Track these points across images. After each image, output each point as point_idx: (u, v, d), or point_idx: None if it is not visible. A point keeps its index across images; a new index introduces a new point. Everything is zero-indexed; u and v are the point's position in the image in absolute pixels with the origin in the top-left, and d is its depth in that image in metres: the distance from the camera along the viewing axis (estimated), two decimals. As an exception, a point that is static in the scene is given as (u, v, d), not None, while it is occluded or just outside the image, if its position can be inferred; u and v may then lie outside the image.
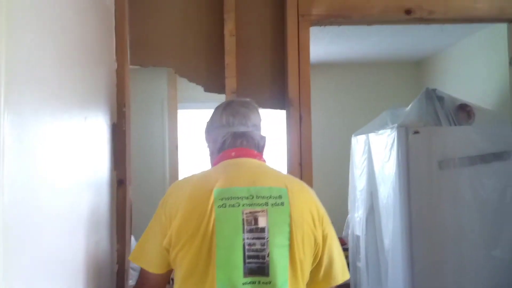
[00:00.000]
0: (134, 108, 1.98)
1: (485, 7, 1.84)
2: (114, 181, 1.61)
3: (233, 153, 1.28)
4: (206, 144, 1.38)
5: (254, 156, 1.30)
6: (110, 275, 1.49)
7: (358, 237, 3.14)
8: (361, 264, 3.06)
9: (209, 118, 1.37)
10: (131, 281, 2.35)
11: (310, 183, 1.78)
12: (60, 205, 1.01)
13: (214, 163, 1.31)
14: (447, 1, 1.82)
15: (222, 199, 1.17)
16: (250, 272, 1.15)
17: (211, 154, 1.35)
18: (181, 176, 3.06)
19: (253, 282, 1.15)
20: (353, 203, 3.25)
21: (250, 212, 1.17)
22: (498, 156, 2.58)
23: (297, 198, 1.21)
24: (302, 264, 1.20)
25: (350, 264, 3.28)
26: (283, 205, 1.19)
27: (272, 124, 3.90)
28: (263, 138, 1.35)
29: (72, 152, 1.12)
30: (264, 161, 1.32)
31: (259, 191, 1.19)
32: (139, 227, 2.33)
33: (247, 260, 1.15)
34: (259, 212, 1.17)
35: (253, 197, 1.18)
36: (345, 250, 3.50)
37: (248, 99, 1.37)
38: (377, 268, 2.90)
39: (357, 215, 3.16)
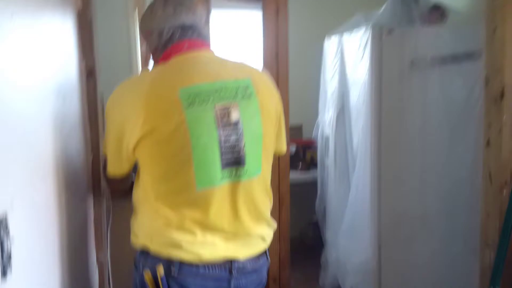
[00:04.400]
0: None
1: None
2: (83, 73, 1.55)
3: (185, 45, 1.19)
4: (144, 39, 1.27)
5: (206, 49, 1.24)
6: (85, 164, 1.49)
7: (327, 138, 3.21)
8: (329, 162, 3.17)
9: (149, 8, 1.25)
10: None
11: (286, 73, 1.78)
12: (27, 104, 0.96)
13: (162, 57, 1.21)
14: None
15: (189, 97, 1.11)
16: (227, 164, 1.16)
17: (155, 50, 1.24)
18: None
19: (230, 173, 1.17)
20: (323, 105, 3.29)
21: (222, 107, 1.14)
22: (468, 56, 2.61)
23: (261, 86, 1.21)
24: (270, 147, 1.26)
25: (318, 162, 3.39)
26: (251, 96, 1.18)
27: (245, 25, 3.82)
28: (209, 31, 1.29)
29: (35, 45, 1.04)
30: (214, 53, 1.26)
31: (225, 84, 1.16)
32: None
33: (223, 156, 1.15)
34: (230, 106, 1.15)
35: (221, 91, 1.15)
36: (315, 150, 3.61)
37: None
38: (344, 166, 3.02)
39: (327, 116, 3.21)
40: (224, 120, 1.14)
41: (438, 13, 2.74)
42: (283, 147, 1.38)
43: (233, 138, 1.15)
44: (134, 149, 1.13)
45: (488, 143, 1.91)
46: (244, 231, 1.21)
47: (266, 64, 1.78)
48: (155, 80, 1.14)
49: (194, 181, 1.13)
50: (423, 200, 2.68)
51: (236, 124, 1.16)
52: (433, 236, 2.71)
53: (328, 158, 3.21)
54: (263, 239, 1.26)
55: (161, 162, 1.13)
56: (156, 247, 1.14)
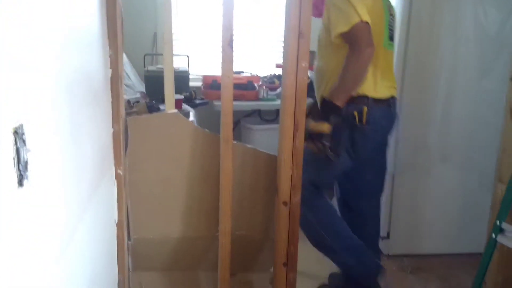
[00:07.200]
0: None
1: None
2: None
3: None
4: None
5: None
6: (104, 81, 1.51)
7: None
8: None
9: None
10: (126, 96, 2.40)
11: (307, 51, 1.67)
12: (48, 24, 0.95)
13: None
14: None
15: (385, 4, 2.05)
16: (390, 37, 2.08)
17: None
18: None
19: (389, 43, 2.09)
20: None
21: (389, 8, 2.09)
22: (506, -17, 2.46)
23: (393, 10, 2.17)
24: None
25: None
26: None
27: None
28: None
29: None
30: None
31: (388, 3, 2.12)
32: (128, 36, 2.28)
33: (389, 33, 2.07)
34: (390, 9, 2.14)
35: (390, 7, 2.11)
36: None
37: None
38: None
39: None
40: (391, 16, 2.03)
41: None
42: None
43: (392, 24, 2.05)
44: None
45: (513, 77, 1.84)
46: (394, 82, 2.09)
47: (288, 44, 1.68)
48: None
49: (383, 40, 1.98)
50: (444, 132, 2.65)
51: (393, 17, 2.06)
52: (450, 169, 2.71)
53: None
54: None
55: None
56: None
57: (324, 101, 1.91)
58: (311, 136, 1.87)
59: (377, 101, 1.96)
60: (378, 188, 2.26)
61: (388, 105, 2.02)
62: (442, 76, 2.57)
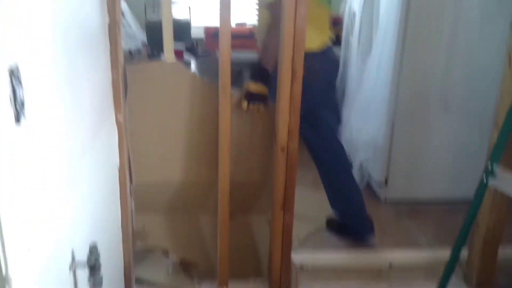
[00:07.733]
0: None
1: None
2: None
3: None
4: None
5: None
6: (101, 27, 1.52)
7: (354, 14, 3.11)
8: (353, 39, 3.10)
9: None
10: (126, 45, 2.40)
11: None
12: None
13: None
14: None
15: None
16: None
17: None
18: None
19: None
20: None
21: None
22: None
23: None
24: None
25: (343, 39, 3.32)
26: None
27: None
28: None
29: None
30: None
31: None
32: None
33: None
34: None
35: None
36: (341, 27, 3.52)
37: None
38: (368, 44, 2.96)
39: (356, -10, 3.08)
40: None
41: None
42: None
43: None
44: None
45: (514, 23, 1.82)
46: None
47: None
48: None
49: None
50: (444, 80, 2.65)
51: None
52: (449, 117, 2.73)
53: (352, 36, 3.13)
54: None
55: None
56: None
57: (257, 64, 1.99)
58: (249, 96, 1.90)
59: (314, 53, 2.08)
60: (335, 124, 2.38)
61: (325, 55, 2.17)
62: (445, 23, 2.54)
